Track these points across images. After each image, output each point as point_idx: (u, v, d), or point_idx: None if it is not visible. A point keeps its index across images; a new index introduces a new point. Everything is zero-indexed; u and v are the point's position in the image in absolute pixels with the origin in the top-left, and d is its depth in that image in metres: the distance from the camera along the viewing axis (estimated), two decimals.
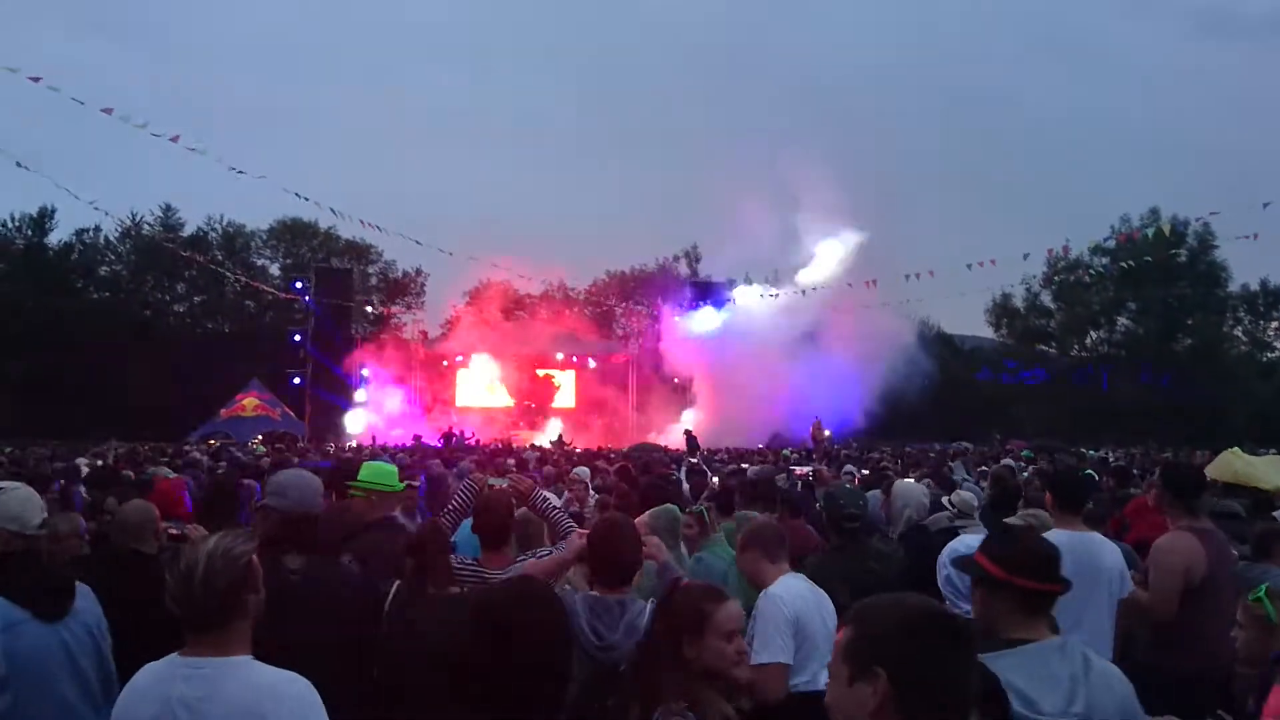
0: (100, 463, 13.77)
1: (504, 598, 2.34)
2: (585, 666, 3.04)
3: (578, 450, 24.03)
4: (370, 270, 56.33)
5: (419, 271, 57.68)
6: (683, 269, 59.43)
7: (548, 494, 4.96)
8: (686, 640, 2.55)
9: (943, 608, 1.96)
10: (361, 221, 30.40)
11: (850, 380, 35.11)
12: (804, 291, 34.84)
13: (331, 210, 27.28)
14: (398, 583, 3.72)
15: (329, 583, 3.51)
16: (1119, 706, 2.48)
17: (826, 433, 32.47)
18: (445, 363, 42.03)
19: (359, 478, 4.97)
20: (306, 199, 26.17)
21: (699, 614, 2.57)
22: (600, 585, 3.43)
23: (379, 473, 5.04)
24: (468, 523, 4.21)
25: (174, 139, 19.87)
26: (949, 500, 6.49)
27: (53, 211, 49.04)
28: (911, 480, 6.52)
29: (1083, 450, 23.18)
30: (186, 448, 21.99)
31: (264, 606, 2.41)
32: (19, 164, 20.31)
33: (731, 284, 45.90)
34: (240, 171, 22.33)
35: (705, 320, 39.37)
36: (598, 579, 3.46)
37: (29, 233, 49.54)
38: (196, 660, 2.29)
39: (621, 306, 57.18)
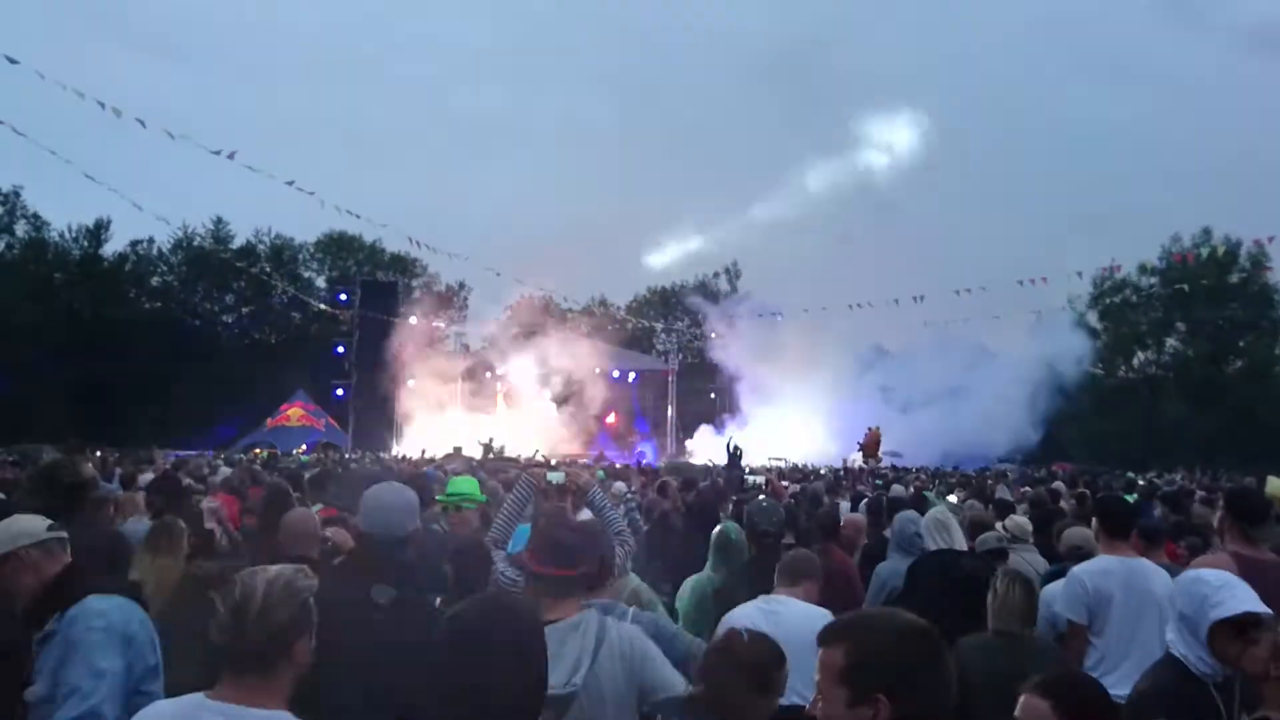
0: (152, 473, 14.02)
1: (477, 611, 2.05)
2: None
3: (617, 465, 24.08)
4: (414, 283, 57.04)
5: (462, 285, 58.38)
6: (723, 285, 59.51)
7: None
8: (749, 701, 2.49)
9: (926, 622, 1.88)
10: (411, 240, 30.80)
11: (1012, 400, 35.12)
12: (851, 307, 34.74)
13: (382, 226, 27.64)
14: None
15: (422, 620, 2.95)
16: (627, 670, 2.68)
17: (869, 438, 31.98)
18: (488, 374, 42.36)
19: (447, 492, 5.00)
20: (358, 216, 26.58)
21: (767, 674, 2.48)
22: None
23: (468, 486, 5.08)
24: (522, 530, 4.20)
25: (231, 156, 20.38)
26: (1002, 525, 6.49)
27: (108, 223, 50.42)
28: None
29: (1131, 475, 22.72)
30: (238, 456, 22.37)
31: (316, 655, 2.15)
32: (87, 175, 20.95)
33: (774, 300, 45.83)
34: (303, 189, 22.76)
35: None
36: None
37: (85, 244, 50.84)
38: (227, 707, 2.00)
39: (663, 322, 57.34)
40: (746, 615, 3.77)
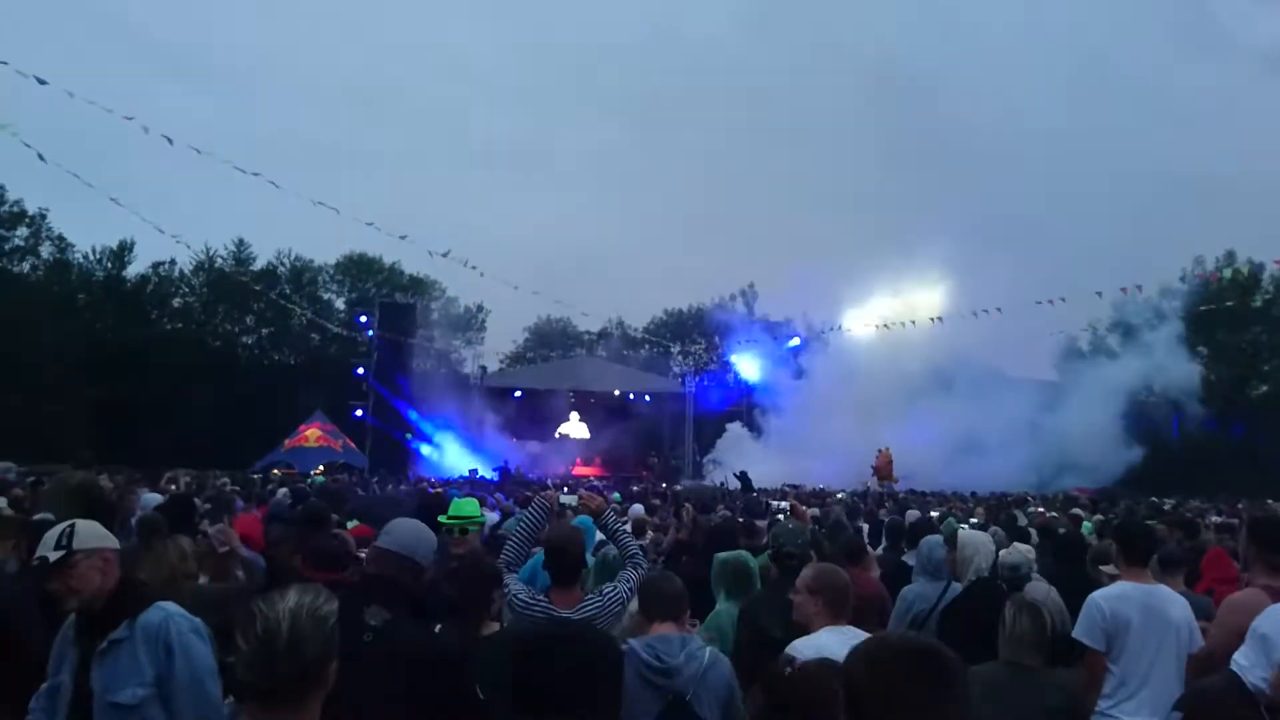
0: (173, 488, 14.11)
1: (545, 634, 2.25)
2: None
3: (634, 488, 24.08)
4: (433, 305, 57.31)
5: (480, 307, 58.60)
6: (739, 308, 59.52)
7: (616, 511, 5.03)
8: None
9: (927, 643, 1.77)
10: (430, 252, 30.91)
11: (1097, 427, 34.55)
12: (867, 327, 34.70)
13: (401, 237, 27.75)
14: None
15: (412, 647, 2.94)
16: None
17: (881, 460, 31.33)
18: (504, 397, 42.44)
19: (450, 514, 4.99)
20: (379, 229, 26.83)
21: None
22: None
23: (471, 508, 5.08)
24: (538, 556, 4.21)
25: (255, 174, 20.73)
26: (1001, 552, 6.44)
27: (131, 245, 50.93)
28: (977, 529, 6.45)
29: (1155, 500, 22.45)
30: (254, 477, 22.44)
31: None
32: (112, 199, 21.31)
33: (790, 323, 45.89)
34: (329, 205, 23.05)
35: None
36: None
37: (108, 265, 51.41)
38: None
39: (679, 344, 57.44)
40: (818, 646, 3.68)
